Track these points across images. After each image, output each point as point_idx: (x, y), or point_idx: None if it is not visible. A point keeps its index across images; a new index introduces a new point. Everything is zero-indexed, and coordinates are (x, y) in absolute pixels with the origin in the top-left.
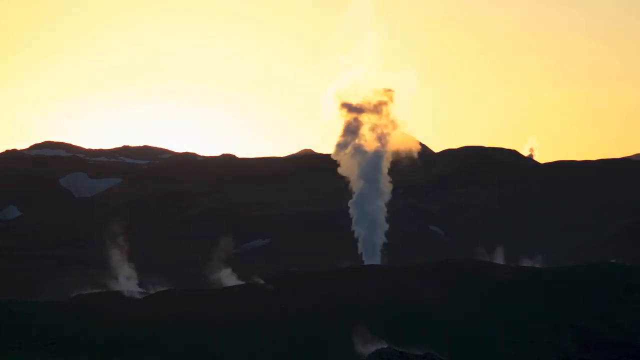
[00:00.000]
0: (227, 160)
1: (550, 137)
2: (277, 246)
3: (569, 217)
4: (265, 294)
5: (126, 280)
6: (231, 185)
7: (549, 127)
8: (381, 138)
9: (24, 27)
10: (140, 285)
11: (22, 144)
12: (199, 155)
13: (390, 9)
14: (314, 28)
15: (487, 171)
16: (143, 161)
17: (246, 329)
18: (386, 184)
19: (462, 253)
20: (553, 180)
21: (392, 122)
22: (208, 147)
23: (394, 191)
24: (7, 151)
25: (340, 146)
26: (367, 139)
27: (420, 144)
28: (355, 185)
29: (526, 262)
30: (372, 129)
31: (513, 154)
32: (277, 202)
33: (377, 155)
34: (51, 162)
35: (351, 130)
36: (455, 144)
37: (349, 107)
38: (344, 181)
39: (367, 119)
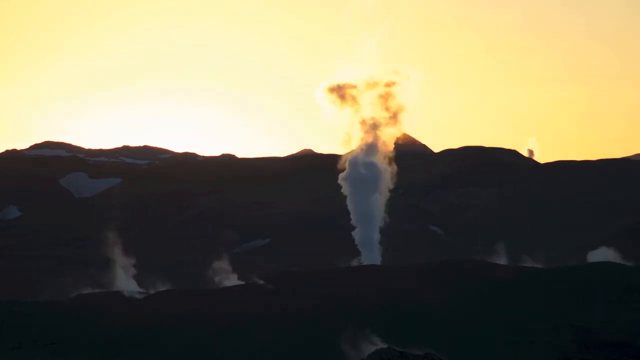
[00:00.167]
0: (227, 160)
1: (550, 137)
2: (277, 246)
3: (569, 217)
4: (265, 294)
5: (126, 280)
6: (231, 185)
7: (549, 127)
8: (381, 137)
9: (24, 27)
10: (140, 285)
11: (22, 144)
12: (199, 155)
13: (390, 9)
14: (314, 28)
15: (487, 171)
16: (143, 161)
17: (246, 329)
18: (385, 183)
19: (462, 253)
20: (553, 180)
21: (392, 121)
22: (208, 147)
23: (394, 191)
24: (7, 151)
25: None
26: (367, 138)
27: (421, 144)
28: (352, 184)
29: (526, 262)
30: (372, 128)
31: (513, 154)
32: (277, 202)
33: (374, 153)
34: (51, 162)
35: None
36: (455, 144)
37: (341, 94)
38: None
39: (366, 119)
